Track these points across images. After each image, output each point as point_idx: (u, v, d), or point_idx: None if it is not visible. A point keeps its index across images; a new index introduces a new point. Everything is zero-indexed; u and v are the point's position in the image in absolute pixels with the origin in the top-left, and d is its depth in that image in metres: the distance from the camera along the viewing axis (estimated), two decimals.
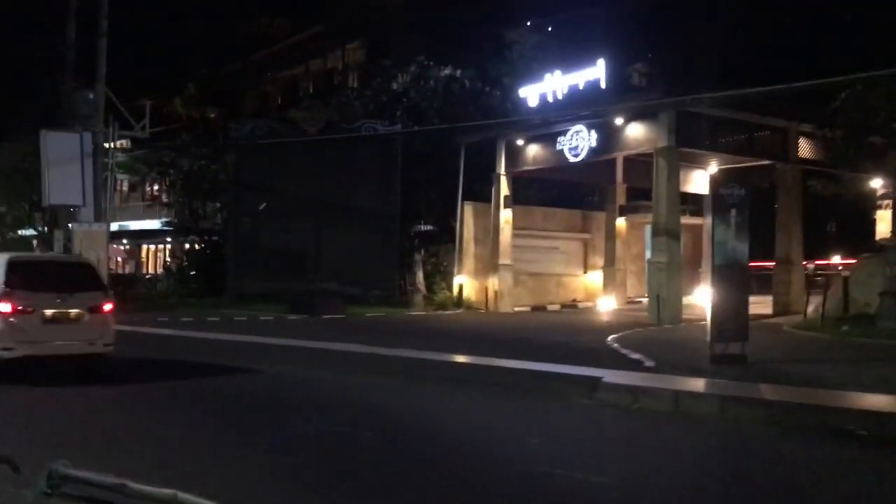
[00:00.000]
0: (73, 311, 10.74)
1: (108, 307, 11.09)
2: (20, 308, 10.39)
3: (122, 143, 28.18)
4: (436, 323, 21.35)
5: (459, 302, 25.71)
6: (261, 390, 10.94)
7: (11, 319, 10.36)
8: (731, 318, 11.27)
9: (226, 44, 39.40)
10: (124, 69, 26.94)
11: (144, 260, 41.21)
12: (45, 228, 29.95)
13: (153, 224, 35.71)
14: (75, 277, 11.37)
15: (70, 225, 22.27)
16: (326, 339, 14.92)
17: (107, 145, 24.54)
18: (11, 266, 10.83)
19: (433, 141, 24.97)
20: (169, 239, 36.50)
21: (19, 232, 32.63)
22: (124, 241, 38.65)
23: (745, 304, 11.62)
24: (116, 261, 36.74)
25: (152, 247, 40.57)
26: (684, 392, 9.27)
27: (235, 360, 12.89)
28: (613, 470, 6.54)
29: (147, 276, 34.54)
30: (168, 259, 36.92)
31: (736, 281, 11.44)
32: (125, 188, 38.31)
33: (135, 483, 2.02)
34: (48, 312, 10.54)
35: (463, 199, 25.87)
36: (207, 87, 35.54)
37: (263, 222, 26.06)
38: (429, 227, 27.37)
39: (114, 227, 29.26)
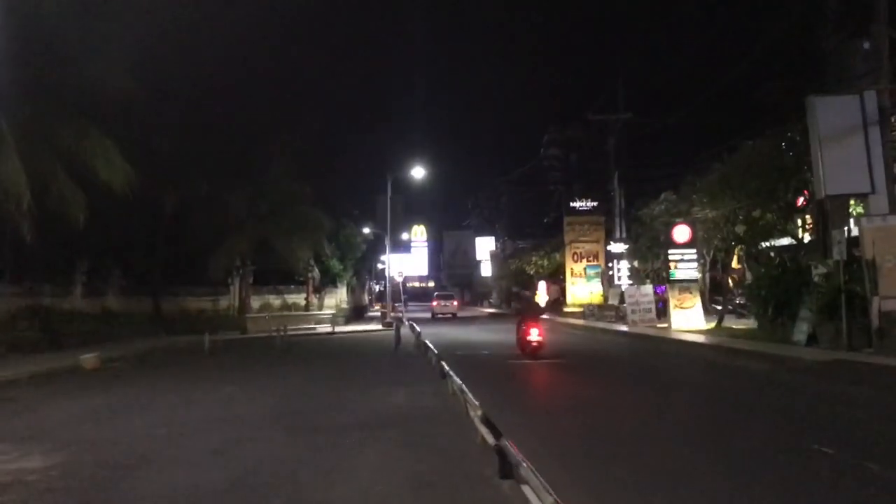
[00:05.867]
0: (447, 303, 60.70)
1: (455, 302, 62.13)
2: (436, 303, 60.99)
3: None
4: None
5: None
6: None
7: (435, 305, 60.44)
8: None
9: None
10: None
11: None
12: (806, 233, 24.49)
13: None
14: (449, 293, 68.43)
15: (861, 221, 16.24)
16: None
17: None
18: (436, 295, 66.70)
19: None
20: None
21: (768, 242, 27.40)
22: None
23: None
24: None
25: None
26: None
27: None
28: None
29: None
30: None
31: None
32: None
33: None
34: (442, 303, 60.79)
35: None
36: None
37: None
38: None
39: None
